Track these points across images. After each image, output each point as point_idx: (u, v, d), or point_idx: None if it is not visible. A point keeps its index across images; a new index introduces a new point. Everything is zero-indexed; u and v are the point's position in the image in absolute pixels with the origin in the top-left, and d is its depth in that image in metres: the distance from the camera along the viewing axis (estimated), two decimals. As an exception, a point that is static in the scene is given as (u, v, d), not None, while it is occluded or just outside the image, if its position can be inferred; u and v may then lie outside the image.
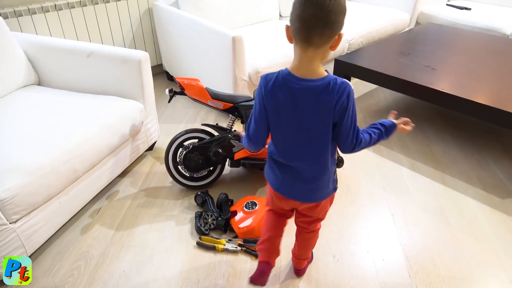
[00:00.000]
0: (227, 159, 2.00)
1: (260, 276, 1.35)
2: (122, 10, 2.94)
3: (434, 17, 3.72)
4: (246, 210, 1.80)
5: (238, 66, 2.43)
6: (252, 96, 2.02)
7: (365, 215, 1.88)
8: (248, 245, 1.69)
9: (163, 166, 2.26)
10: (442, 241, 1.73)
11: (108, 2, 2.84)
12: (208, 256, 1.67)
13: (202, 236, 1.75)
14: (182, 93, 1.95)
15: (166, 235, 1.78)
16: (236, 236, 1.77)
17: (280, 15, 3.56)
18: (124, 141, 2.00)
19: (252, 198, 1.88)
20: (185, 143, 2.01)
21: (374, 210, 1.92)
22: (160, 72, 3.46)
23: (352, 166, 2.24)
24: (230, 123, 2.03)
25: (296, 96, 1.03)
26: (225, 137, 1.95)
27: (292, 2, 0.99)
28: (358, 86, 3.25)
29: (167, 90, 1.95)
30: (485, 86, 2.26)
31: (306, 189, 1.18)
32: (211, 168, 2.06)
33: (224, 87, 2.50)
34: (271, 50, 2.70)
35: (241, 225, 1.76)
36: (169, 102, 2.01)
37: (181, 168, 2.02)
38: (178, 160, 2.02)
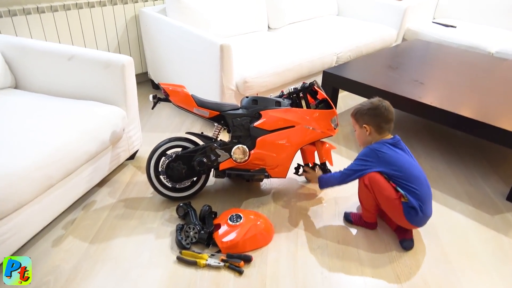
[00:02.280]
0: (212, 169, 1.92)
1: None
2: (107, 16, 2.87)
3: (421, 34, 3.76)
4: (231, 223, 1.72)
5: (225, 75, 2.38)
6: (239, 105, 1.96)
7: (353, 231, 1.82)
8: (232, 261, 1.60)
9: (145, 176, 2.16)
10: (432, 257, 1.68)
11: (93, 7, 2.77)
12: (189, 272, 1.58)
13: (183, 251, 1.66)
14: (166, 99, 1.87)
15: (145, 249, 1.68)
16: (219, 251, 1.68)
17: (268, 27, 3.54)
18: (103, 148, 1.91)
19: (237, 210, 1.80)
20: (168, 152, 1.92)
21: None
22: (145, 81, 3.38)
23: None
24: (216, 132, 1.96)
25: None
26: (210, 145, 1.88)
27: (372, 114, 1.75)
28: (346, 99, 3.23)
29: (151, 96, 1.87)
30: (472, 100, 2.25)
31: None
32: (195, 179, 1.98)
33: (211, 96, 2.43)
34: (260, 60, 2.66)
35: (225, 239, 1.67)
36: (152, 108, 1.94)
37: (163, 178, 1.93)
38: (160, 170, 1.93)
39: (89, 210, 1.90)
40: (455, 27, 3.78)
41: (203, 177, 1.98)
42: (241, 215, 1.75)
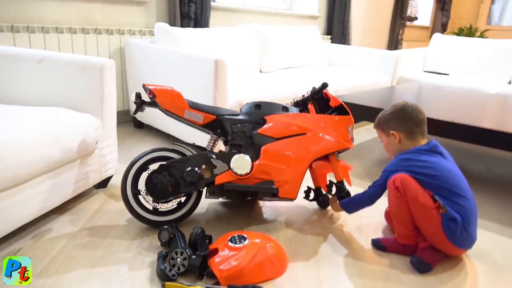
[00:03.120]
0: (205, 185, 1.52)
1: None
2: (90, 45, 2.65)
3: (414, 80, 3.70)
4: (232, 245, 1.29)
5: (219, 93, 2.11)
6: (238, 112, 1.65)
7: (387, 257, 1.41)
8: (235, 294, 1.15)
9: (119, 204, 1.73)
10: (487, 278, 1.27)
11: (75, 33, 2.56)
12: (175, 310, 1.11)
13: (167, 283, 1.20)
14: (152, 103, 1.55)
15: (113, 284, 1.21)
16: (217, 283, 1.22)
17: (260, 71, 3.41)
18: (69, 160, 1.51)
19: (240, 232, 1.38)
20: (150, 166, 1.54)
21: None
22: (126, 121, 3.07)
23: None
24: (211, 144, 1.61)
25: None
26: (204, 155, 1.52)
27: (398, 118, 1.50)
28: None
29: (133, 95, 1.55)
30: (493, 116, 2.02)
31: None
32: (182, 200, 1.57)
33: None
34: (256, 87, 2.43)
35: (224, 266, 1.23)
36: (135, 113, 1.60)
37: (143, 197, 1.52)
38: (139, 188, 1.53)
39: (42, 239, 1.43)
40: (447, 74, 3.75)
41: (193, 196, 1.57)
42: (245, 236, 1.33)
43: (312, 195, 1.78)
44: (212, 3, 3.28)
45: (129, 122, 3.06)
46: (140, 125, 2.92)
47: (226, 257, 1.26)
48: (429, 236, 1.37)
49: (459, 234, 1.31)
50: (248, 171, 1.51)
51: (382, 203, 1.56)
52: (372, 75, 3.46)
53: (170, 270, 1.25)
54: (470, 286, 1.27)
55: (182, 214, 1.55)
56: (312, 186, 1.80)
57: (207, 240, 1.37)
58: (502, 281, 1.32)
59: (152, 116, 2.62)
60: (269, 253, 1.29)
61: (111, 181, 1.92)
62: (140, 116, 2.81)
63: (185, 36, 2.73)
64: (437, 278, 1.31)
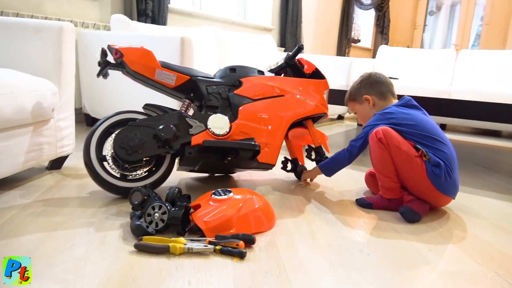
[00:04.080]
0: (180, 146, 1.38)
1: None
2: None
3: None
4: (216, 197, 1.17)
5: (186, 72, 2.01)
6: (212, 76, 1.57)
7: (375, 212, 1.35)
8: (226, 242, 1.02)
9: (78, 180, 1.54)
10: (483, 226, 1.26)
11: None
12: (157, 262, 0.95)
13: (145, 237, 1.04)
14: (119, 64, 1.42)
15: (78, 242, 1.03)
16: (202, 236, 1.09)
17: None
18: (21, 121, 1.32)
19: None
20: (116, 131, 1.39)
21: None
22: (79, 121, 2.83)
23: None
24: (183, 109, 1.50)
25: None
26: (178, 113, 1.40)
27: (368, 83, 1.55)
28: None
29: (99, 52, 1.41)
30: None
31: None
32: (153, 168, 1.42)
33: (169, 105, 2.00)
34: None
35: (209, 218, 1.10)
36: (98, 75, 1.45)
37: (109, 164, 1.36)
38: (105, 154, 1.37)
39: (-15, 210, 1.21)
40: (397, 78, 3.96)
41: (166, 161, 1.43)
42: (230, 190, 1.22)
43: (289, 166, 1.71)
44: (169, 5, 3.23)
45: (82, 122, 2.83)
46: (93, 123, 2.70)
47: (211, 209, 1.13)
48: (414, 185, 1.35)
49: (444, 180, 1.30)
50: (227, 131, 1.41)
51: (360, 171, 1.53)
52: (329, 80, 3.54)
53: (147, 227, 1.09)
54: (460, 231, 1.25)
55: (154, 181, 1.40)
56: (289, 158, 1.73)
57: (186, 200, 1.24)
58: (486, 225, 1.31)
59: (109, 108, 2.44)
60: (257, 205, 1.18)
61: (67, 163, 1.72)
62: (93, 111, 2.61)
63: (144, 30, 2.63)
64: (428, 225, 1.28)
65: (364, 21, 7.10)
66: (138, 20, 2.95)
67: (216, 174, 1.70)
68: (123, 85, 2.31)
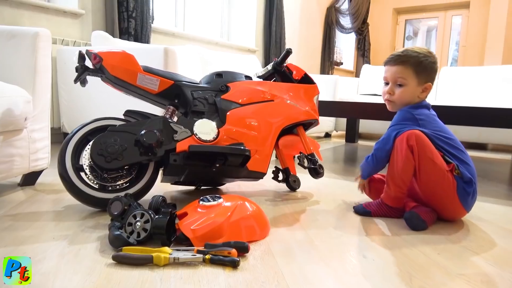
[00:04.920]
0: (164, 152, 1.28)
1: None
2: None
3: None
4: (204, 203, 1.07)
5: (170, 84, 1.93)
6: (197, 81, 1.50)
7: (374, 220, 1.27)
8: (216, 250, 0.91)
9: (52, 196, 1.41)
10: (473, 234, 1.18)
11: (-2, 34, 2.27)
12: (139, 273, 0.84)
13: (126, 247, 0.92)
14: (98, 70, 1.33)
15: (48, 256, 0.91)
16: (189, 246, 0.98)
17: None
18: (-12, 129, 1.21)
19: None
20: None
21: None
22: (58, 141, 2.70)
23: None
24: (168, 115, 1.41)
25: None
26: (162, 118, 1.31)
27: (430, 68, 1.28)
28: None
29: (76, 56, 1.33)
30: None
31: None
32: (135, 177, 1.31)
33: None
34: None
35: (196, 226, 1.00)
36: (76, 81, 1.36)
37: (87, 174, 1.25)
38: (82, 163, 1.26)
39: None
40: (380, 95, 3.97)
41: (149, 169, 1.32)
42: (219, 195, 1.12)
43: (281, 176, 1.62)
44: (152, 25, 3.20)
45: (61, 143, 2.69)
46: (73, 142, 2.57)
47: (198, 217, 1.03)
48: (436, 199, 1.23)
49: (471, 197, 1.21)
50: (214, 137, 1.32)
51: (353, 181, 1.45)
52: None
53: (128, 237, 0.98)
54: (467, 234, 1.17)
55: (135, 191, 1.28)
56: (280, 167, 1.65)
57: (171, 209, 1.13)
58: (493, 228, 1.23)
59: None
60: (249, 211, 1.08)
61: (42, 179, 1.59)
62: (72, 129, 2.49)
63: (126, 48, 2.56)
64: (431, 229, 1.19)
65: (345, 45, 7.25)
66: (120, 38, 2.89)
67: (203, 187, 1.60)
68: (104, 102, 2.22)
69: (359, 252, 1.00)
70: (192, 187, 1.60)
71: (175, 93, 1.41)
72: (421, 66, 1.26)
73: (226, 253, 0.90)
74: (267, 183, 1.71)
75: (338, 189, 1.67)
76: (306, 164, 1.53)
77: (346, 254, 0.98)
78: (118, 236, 0.95)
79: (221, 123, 1.38)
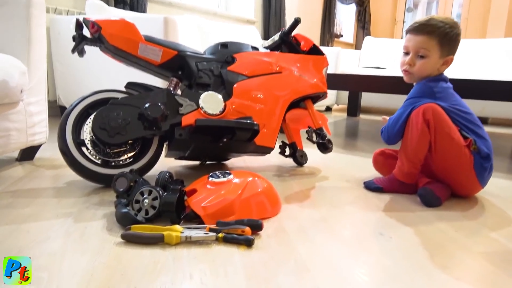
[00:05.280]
0: (169, 127, 1.22)
1: None
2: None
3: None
4: (214, 180, 1.03)
5: (171, 55, 1.85)
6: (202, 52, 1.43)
7: (387, 196, 1.24)
8: (229, 228, 0.88)
9: (52, 171, 1.36)
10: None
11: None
12: (150, 253, 0.80)
13: (134, 226, 0.88)
14: (96, 39, 1.25)
15: (52, 235, 0.87)
16: (200, 224, 0.94)
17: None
18: (-18, 101, 1.15)
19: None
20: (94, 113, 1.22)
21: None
22: (54, 115, 2.62)
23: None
24: (171, 87, 1.34)
25: None
26: (166, 91, 1.25)
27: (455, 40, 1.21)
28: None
29: (73, 24, 1.25)
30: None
31: None
32: (139, 153, 1.26)
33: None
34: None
35: (207, 203, 0.96)
36: (73, 51, 1.28)
37: (88, 149, 1.19)
38: (83, 138, 1.20)
39: None
40: (384, 68, 3.90)
41: (153, 144, 1.27)
42: (229, 172, 1.07)
43: (288, 151, 1.58)
44: (148, -7, 3.05)
45: (57, 116, 2.62)
46: (69, 116, 2.50)
47: (208, 193, 0.99)
48: (453, 175, 1.19)
49: (488, 173, 1.17)
50: (221, 110, 1.27)
51: (362, 157, 1.42)
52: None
53: (136, 215, 0.94)
54: (482, 210, 1.14)
55: (139, 167, 1.24)
56: (287, 142, 1.60)
57: (179, 185, 1.08)
58: (507, 204, 1.21)
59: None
60: (260, 188, 1.04)
61: (40, 154, 1.54)
62: (68, 102, 2.41)
63: (124, 17, 2.45)
64: (445, 206, 1.17)
65: (345, 17, 7.07)
66: (116, 7, 2.76)
67: (208, 162, 1.56)
68: (102, 74, 2.13)
69: (375, 229, 0.97)
70: (197, 162, 1.55)
71: (178, 64, 1.34)
72: (446, 38, 1.18)
73: (240, 231, 0.87)
74: (273, 158, 1.67)
75: (346, 165, 1.64)
76: (314, 138, 1.48)
77: (361, 232, 0.95)
78: (126, 214, 0.91)
79: (227, 96, 1.32)
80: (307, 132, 1.49)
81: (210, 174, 1.06)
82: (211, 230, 0.88)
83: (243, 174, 1.08)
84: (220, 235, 0.86)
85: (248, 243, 0.84)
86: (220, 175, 1.04)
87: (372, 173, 1.47)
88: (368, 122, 3.27)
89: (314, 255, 0.82)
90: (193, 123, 1.21)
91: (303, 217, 1.04)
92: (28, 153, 1.49)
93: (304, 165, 1.58)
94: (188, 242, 0.85)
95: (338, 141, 2.22)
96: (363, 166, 1.59)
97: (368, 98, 3.71)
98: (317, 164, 1.60)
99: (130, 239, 0.84)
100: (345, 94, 3.76)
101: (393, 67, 4.19)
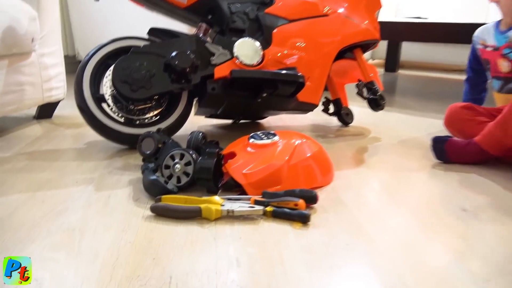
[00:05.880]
0: (200, 79, 1.05)
1: None
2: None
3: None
4: (256, 142, 0.87)
5: None
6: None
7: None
8: (279, 201, 0.72)
9: (73, 130, 1.24)
10: None
11: None
12: (186, 230, 0.66)
13: (165, 196, 0.74)
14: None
15: (71, 206, 0.74)
16: (242, 193, 0.79)
17: None
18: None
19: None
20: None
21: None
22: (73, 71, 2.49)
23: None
24: (201, 34, 1.15)
25: None
26: (195, 37, 1.07)
27: None
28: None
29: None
30: None
31: None
32: (163, 108, 1.10)
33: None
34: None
35: (249, 170, 0.80)
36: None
37: (109, 106, 1.05)
38: (103, 93, 1.05)
39: (-52, 167, 0.92)
40: (426, 18, 3.54)
41: (182, 101, 1.11)
42: (273, 132, 0.91)
43: (331, 108, 1.39)
44: None
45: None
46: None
47: (250, 158, 0.83)
48: None
49: None
50: (259, 60, 1.08)
51: (417, 116, 1.21)
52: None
53: (166, 182, 0.80)
54: None
55: (167, 127, 1.08)
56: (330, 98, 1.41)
57: (216, 148, 0.93)
58: None
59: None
60: (311, 152, 0.88)
61: (59, 111, 1.41)
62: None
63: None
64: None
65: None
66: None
67: (242, 121, 1.39)
68: (121, 20, 1.95)
69: (455, 203, 0.80)
70: (229, 121, 1.39)
71: (208, 6, 1.14)
72: None
73: (292, 204, 0.71)
74: (313, 116, 1.49)
75: (396, 123, 1.44)
76: (365, 94, 1.28)
77: (437, 207, 0.78)
78: (155, 182, 0.77)
79: (265, 43, 1.12)
80: (357, 86, 1.29)
81: (251, 134, 0.89)
82: (256, 202, 0.73)
83: (289, 135, 0.91)
84: (268, 209, 0.71)
85: (304, 220, 0.69)
86: (263, 136, 0.88)
87: (431, 134, 1.27)
88: (409, 77, 3.00)
89: (387, 236, 0.66)
90: (228, 75, 1.03)
91: (362, 186, 0.87)
92: (46, 111, 1.36)
93: (350, 124, 1.40)
94: (230, 217, 0.70)
95: (380, 98, 2.00)
96: (418, 126, 1.40)
97: (407, 52, 3.40)
98: (363, 123, 1.42)
99: (161, 213, 0.70)
100: (382, 48, 3.45)
101: (435, 18, 3.80)
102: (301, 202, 0.72)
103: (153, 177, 0.78)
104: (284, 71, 1.07)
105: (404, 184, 0.89)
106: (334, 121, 1.42)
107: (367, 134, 1.30)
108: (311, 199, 0.75)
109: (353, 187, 0.86)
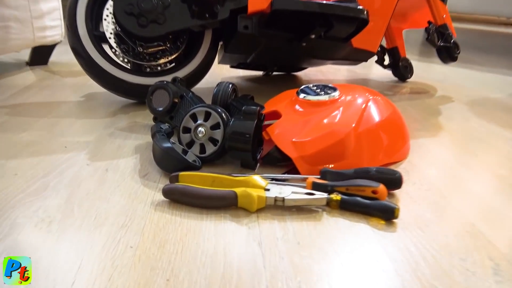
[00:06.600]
0: (229, 15, 0.79)
1: None
2: None
3: None
4: (308, 98, 0.62)
5: None
6: None
7: None
8: (349, 186, 0.49)
9: (70, 79, 1.01)
10: None
11: None
12: (215, 227, 0.44)
13: (183, 173, 0.52)
14: None
15: (53, 183, 0.52)
16: (291, 171, 0.56)
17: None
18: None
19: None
20: None
21: None
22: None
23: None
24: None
25: None
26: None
27: None
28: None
29: None
30: None
31: None
32: (181, 51, 0.86)
33: None
34: None
35: (300, 138, 0.57)
36: None
37: (112, 47, 0.81)
38: (103, 30, 0.81)
39: None
40: None
41: (205, 43, 0.86)
42: (332, 85, 0.66)
43: (387, 59, 1.12)
44: None
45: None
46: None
47: (303, 121, 0.59)
48: None
49: None
50: (305, -8, 0.81)
51: (488, 72, 0.94)
52: None
53: (185, 152, 0.57)
54: None
55: (185, 76, 0.85)
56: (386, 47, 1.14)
57: (250, 101, 0.70)
58: None
59: None
60: (385, 115, 0.63)
61: (56, 56, 1.18)
62: None
63: None
64: None
65: None
66: None
67: (275, 73, 1.14)
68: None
69: None
70: (259, 73, 1.14)
71: None
72: None
73: (369, 191, 0.48)
74: (359, 69, 1.23)
75: (464, 81, 1.17)
76: (436, 40, 1.00)
77: None
78: (170, 152, 0.54)
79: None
80: (427, 30, 1.01)
81: (301, 88, 0.65)
82: (315, 186, 0.50)
83: (353, 90, 0.66)
84: (334, 197, 0.48)
85: (389, 215, 0.47)
86: (318, 90, 0.64)
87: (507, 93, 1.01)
88: (461, 31, 2.64)
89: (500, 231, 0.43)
90: (267, 7, 0.77)
91: (449, 160, 0.63)
92: (41, 55, 1.14)
93: (408, 80, 1.14)
94: (279, 207, 0.48)
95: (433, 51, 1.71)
96: (491, 84, 1.13)
97: (454, 2, 2.99)
98: (423, 79, 1.15)
99: (178, 198, 0.49)
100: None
101: None
102: (381, 187, 0.49)
103: (168, 144, 0.55)
104: (343, 4, 0.80)
105: (505, 157, 0.65)
106: (388, 74, 1.15)
107: (432, 93, 1.04)
108: (394, 182, 0.52)
109: (437, 162, 0.63)
